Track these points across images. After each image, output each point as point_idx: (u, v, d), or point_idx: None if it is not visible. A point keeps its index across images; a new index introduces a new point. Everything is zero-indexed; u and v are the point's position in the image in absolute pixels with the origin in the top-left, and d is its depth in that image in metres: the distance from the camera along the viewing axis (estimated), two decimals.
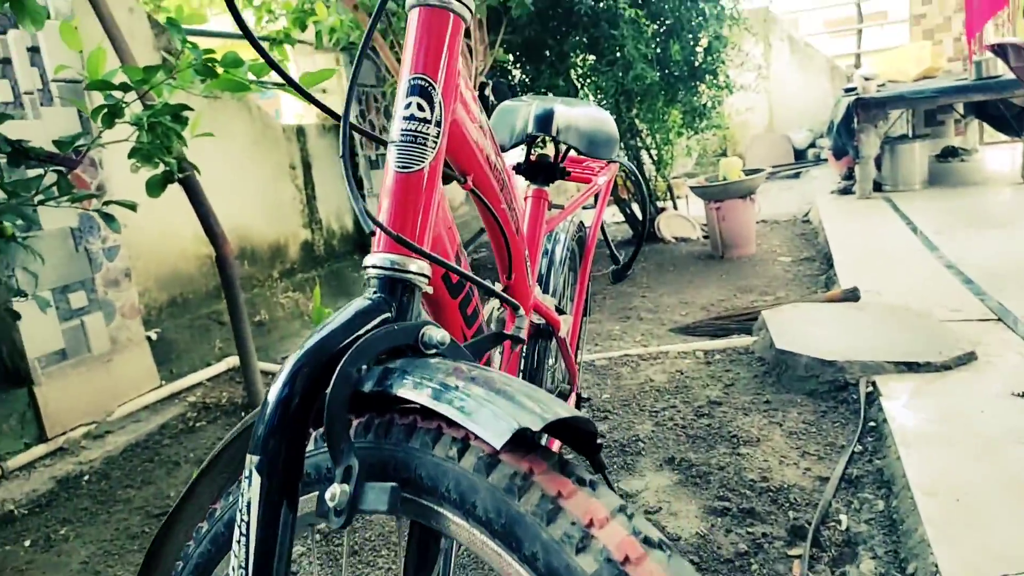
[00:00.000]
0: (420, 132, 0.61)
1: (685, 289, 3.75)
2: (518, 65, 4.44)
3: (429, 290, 0.63)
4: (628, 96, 4.05)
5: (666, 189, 4.89)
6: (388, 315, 0.58)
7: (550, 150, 1.33)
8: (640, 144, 4.55)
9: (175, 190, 2.28)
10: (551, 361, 1.41)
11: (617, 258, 1.79)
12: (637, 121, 4.26)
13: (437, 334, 0.57)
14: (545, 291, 1.38)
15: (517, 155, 1.35)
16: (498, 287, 1.18)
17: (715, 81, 4.15)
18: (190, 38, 2.11)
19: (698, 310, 3.36)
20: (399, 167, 0.61)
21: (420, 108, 0.62)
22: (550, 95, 1.47)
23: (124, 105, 2.03)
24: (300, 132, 3.78)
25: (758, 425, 2.06)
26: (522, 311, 0.78)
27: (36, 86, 2.49)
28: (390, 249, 0.60)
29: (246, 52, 1.99)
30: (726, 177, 4.16)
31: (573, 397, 1.64)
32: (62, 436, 2.46)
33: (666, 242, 4.75)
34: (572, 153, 1.34)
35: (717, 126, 4.40)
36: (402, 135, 0.62)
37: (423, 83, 0.62)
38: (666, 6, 3.88)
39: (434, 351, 0.56)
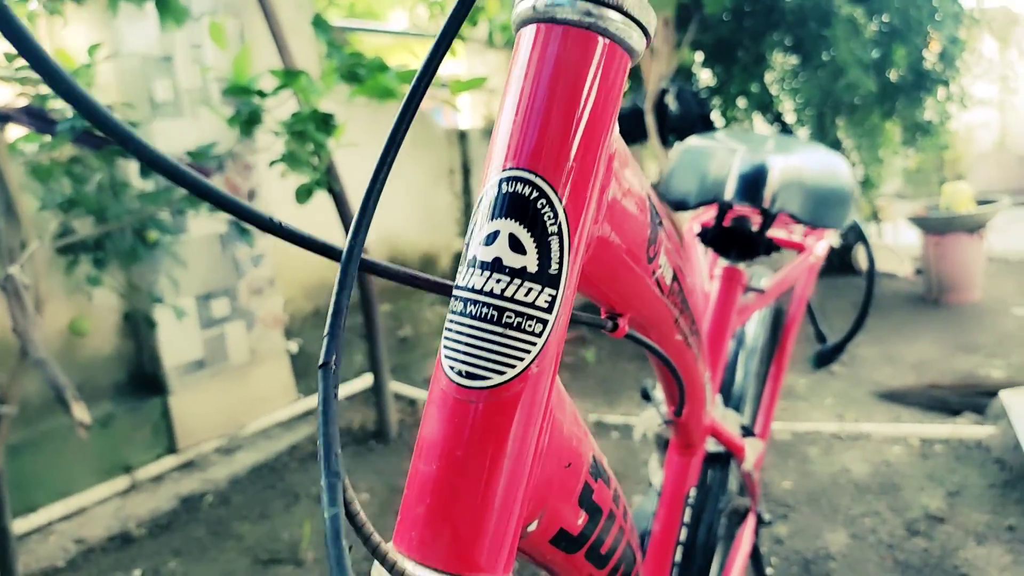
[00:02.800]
0: (509, 306, 0.28)
1: (890, 339, 3.14)
2: (706, 66, 3.98)
3: None
4: (835, 106, 3.47)
5: (871, 214, 4.22)
6: None
7: (752, 210, 0.94)
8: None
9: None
10: (726, 497, 1.02)
11: (824, 336, 1.36)
12: (843, 136, 3.67)
13: None
14: (728, 401, 1.00)
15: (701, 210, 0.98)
16: (660, 407, 0.83)
17: (947, 93, 3.46)
18: (357, 36, 1.91)
19: (907, 370, 2.78)
20: (456, 375, 0.28)
21: (515, 248, 0.28)
22: (749, 129, 1.08)
23: (262, 111, 1.86)
24: (462, 136, 3.57)
25: (998, 562, 1.55)
26: None
27: (197, 84, 2.42)
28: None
29: (406, 51, 1.75)
30: (950, 206, 3.47)
31: (752, 519, 1.25)
32: (193, 449, 2.38)
33: None
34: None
35: (944, 147, 3.70)
36: (470, 306, 0.28)
37: (527, 191, 0.28)
38: (891, 3, 3.27)
39: None
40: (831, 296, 3.78)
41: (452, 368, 0.28)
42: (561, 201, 0.28)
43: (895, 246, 4.29)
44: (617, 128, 0.32)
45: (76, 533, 2.01)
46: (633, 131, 3.14)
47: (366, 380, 2.89)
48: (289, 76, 1.78)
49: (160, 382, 2.33)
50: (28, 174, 1.86)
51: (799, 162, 0.86)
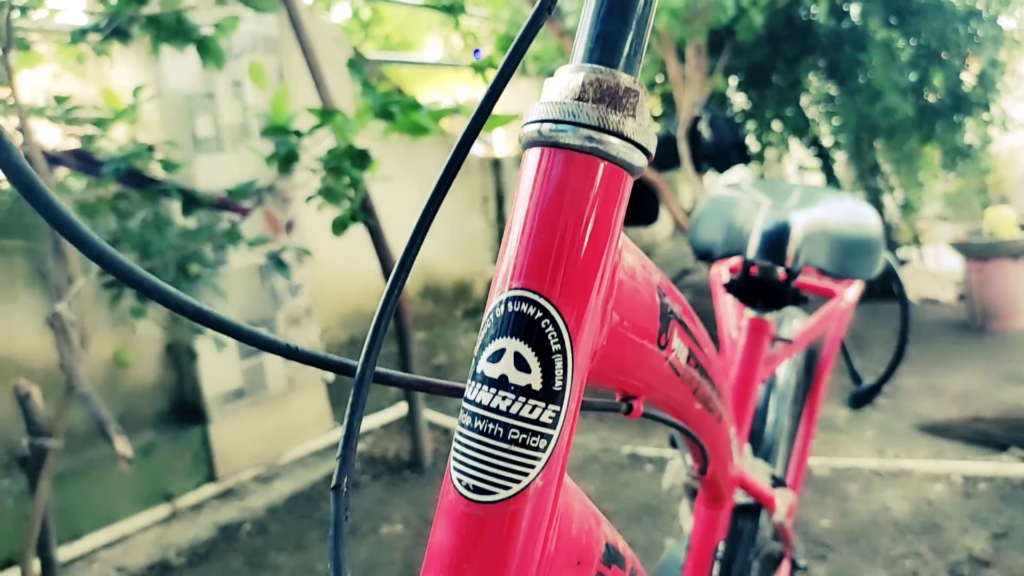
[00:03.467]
0: (515, 423, 0.29)
1: (932, 369, 3.07)
2: (740, 90, 3.96)
3: None
4: (872, 130, 3.43)
5: (912, 238, 4.14)
6: None
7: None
8: (882, 185, 3.87)
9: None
10: (756, 548, 1.01)
11: (859, 377, 1.33)
12: (881, 160, 3.62)
13: None
14: (758, 450, 0.99)
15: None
16: (687, 457, 0.83)
17: (987, 116, 3.40)
18: (394, 68, 1.96)
19: (949, 402, 2.71)
20: (464, 488, 0.29)
21: (519, 366, 0.29)
22: (779, 181, 1.07)
23: (299, 150, 1.91)
24: (496, 164, 3.60)
25: None
26: None
27: (237, 120, 2.49)
28: None
29: (442, 80, 1.79)
30: (993, 232, 3.39)
31: (786, 565, 1.23)
32: (232, 477, 2.42)
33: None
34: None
35: (985, 171, 3.62)
36: (477, 420, 0.30)
37: (531, 311, 0.29)
38: (928, 26, 3.22)
39: None
40: (871, 324, 3.72)
41: (460, 481, 0.29)
42: (564, 320, 0.29)
43: (937, 271, 4.20)
44: (621, 237, 0.33)
45: (118, 561, 2.06)
46: (666, 158, 3.14)
47: (400, 409, 2.92)
48: (326, 115, 1.82)
49: (201, 411, 2.38)
50: (75, 211, 1.93)
51: (823, 215, 0.86)
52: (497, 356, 0.29)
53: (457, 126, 3.67)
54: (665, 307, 0.41)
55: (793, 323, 1.08)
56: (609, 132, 0.29)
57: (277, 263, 2.06)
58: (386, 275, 2.47)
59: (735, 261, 0.95)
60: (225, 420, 2.42)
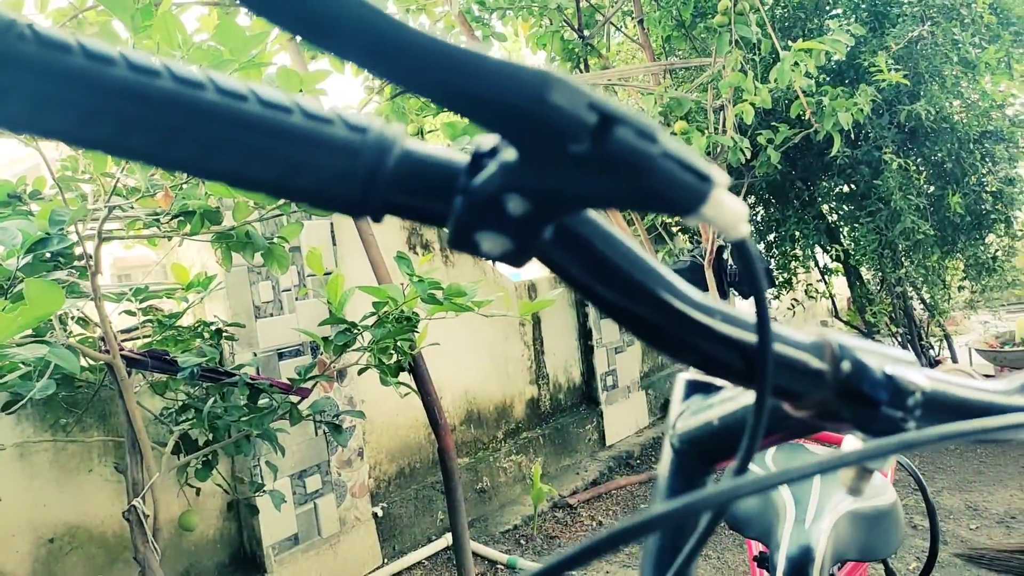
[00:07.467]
0: None
1: (972, 484, 3.09)
2: (761, 206, 4.11)
3: None
4: (893, 248, 3.54)
5: (942, 337, 4.19)
6: None
7: None
8: (909, 291, 3.95)
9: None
10: None
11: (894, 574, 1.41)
12: (905, 274, 3.71)
13: None
14: None
15: None
16: None
17: (1008, 231, 3.49)
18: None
19: (992, 524, 2.73)
20: None
21: None
22: (799, 450, 1.15)
23: (357, 334, 2.08)
24: (531, 288, 3.76)
25: None
26: None
27: (293, 282, 2.68)
28: None
29: None
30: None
31: None
32: None
33: None
34: None
35: (1011, 284, 3.68)
36: None
37: None
38: (942, 149, 3.35)
39: None
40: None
41: None
42: None
43: (972, 370, 4.21)
44: None
45: None
46: (694, 285, 3.27)
47: (447, 539, 3.02)
48: (379, 305, 2.00)
49: (259, 561, 2.51)
50: (148, 389, 2.12)
51: (844, 510, 0.96)
52: None
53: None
54: None
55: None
56: None
57: (334, 428, 2.21)
58: (432, 423, 2.61)
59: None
60: (282, 568, 2.54)
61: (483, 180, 0.26)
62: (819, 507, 0.97)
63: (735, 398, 0.41)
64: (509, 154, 0.26)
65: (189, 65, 0.26)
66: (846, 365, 0.33)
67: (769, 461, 1.09)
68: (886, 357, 0.33)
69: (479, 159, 0.27)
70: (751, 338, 0.31)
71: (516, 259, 0.28)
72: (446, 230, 0.28)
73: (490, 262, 3.93)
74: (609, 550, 0.26)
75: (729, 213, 0.27)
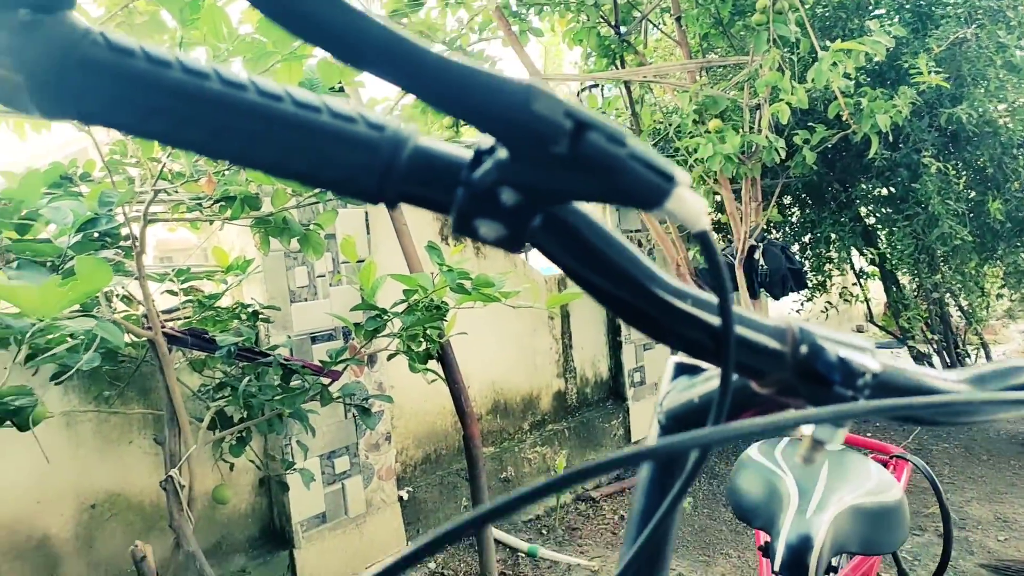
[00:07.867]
0: None
1: (1003, 496, 3.05)
2: (797, 207, 4.08)
3: None
4: (931, 253, 3.50)
5: (979, 345, 4.13)
6: None
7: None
8: (946, 297, 3.90)
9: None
10: None
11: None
12: (941, 280, 3.66)
13: None
14: None
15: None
16: None
17: None
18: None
19: (1022, 536, 2.70)
20: None
21: None
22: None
23: (388, 320, 2.14)
24: (561, 281, 3.80)
25: None
26: None
27: (328, 268, 2.76)
28: None
29: None
30: None
31: None
32: None
33: None
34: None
35: None
36: None
37: None
38: (984, 154, 3.31)
39: None
40: (939, 438, 3.71)
41: None
42: None
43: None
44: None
45: None
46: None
47: None
48: (409, 292, 2.06)
49: (288, 537, 2.60)
50: (187, 366, 2.21)
51: (847, 502, 0.99)
52: None
53: None
54: None
55: None
56: None
57: (363, 411, 2.28)
58: (459, 412, 2.67)
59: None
60: (310, 544, 2.62)
61: (481, 174, 0.30)
62: (823, 499, 0.99)
63: (714, 378, 0.45)
64: (503, 153, 0.30)
65: (233, 67, 0.31)
66: (804, 348, 0.37)
67: (778, 454, 1.12)
68: (841, 343, 0.37)
69: (480, 156, 0.31)
70: (718, 321, 0.35)
71: (510, 243, 0.32)
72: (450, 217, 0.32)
73: (521, 255, 3.95)
74: (580, 480, 0.29)
75: (690, 208, 0.31)
